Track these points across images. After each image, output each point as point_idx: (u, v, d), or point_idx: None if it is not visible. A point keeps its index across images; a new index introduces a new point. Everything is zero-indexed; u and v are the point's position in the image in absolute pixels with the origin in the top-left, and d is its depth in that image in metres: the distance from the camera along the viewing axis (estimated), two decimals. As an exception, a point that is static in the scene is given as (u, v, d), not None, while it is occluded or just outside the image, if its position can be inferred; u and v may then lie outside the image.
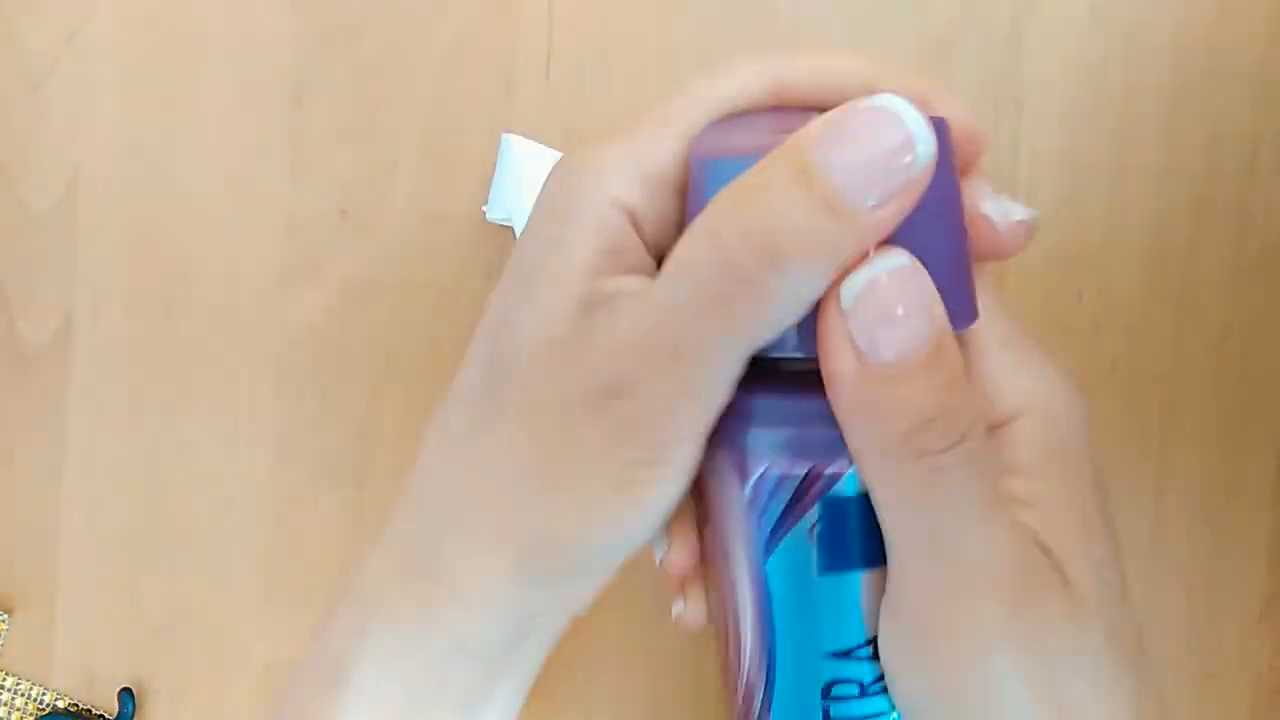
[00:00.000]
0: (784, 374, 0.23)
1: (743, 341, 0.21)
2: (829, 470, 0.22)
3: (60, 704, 0.41)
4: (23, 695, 0.41)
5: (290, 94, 0.40)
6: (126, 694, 0.40)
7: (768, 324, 0.21)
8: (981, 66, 0.37)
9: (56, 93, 0.41)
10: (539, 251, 0.24)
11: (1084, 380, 0.37)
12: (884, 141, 0.20)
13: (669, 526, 0.26)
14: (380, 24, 0.39)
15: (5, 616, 0.41)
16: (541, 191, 0.24)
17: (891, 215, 0.20)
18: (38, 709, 0.41)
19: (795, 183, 0.20)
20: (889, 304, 0.20)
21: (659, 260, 0.24)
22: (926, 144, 0.20)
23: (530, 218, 0.24)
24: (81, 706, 0.41)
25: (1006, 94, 0.37)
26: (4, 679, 0.41)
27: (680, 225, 0.24)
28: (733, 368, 0.22)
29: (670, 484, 0.23)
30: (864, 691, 0.23)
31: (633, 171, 0.23)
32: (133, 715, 0.40)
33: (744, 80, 0.24)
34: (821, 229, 0.20)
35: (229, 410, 0.40)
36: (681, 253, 0.21)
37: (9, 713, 0.41)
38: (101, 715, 0.41)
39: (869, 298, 0.20)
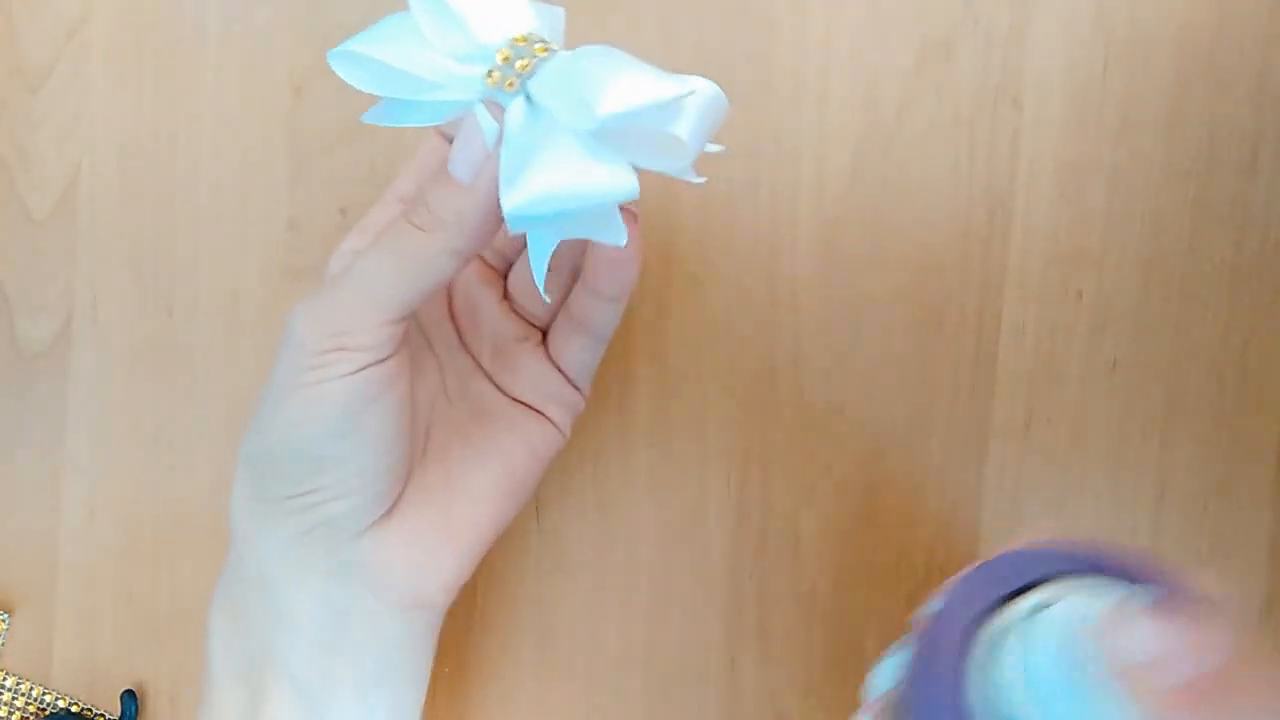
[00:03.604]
0: None
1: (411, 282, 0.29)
2: None
3: (61, 703, 0.41)
4: (23, 695, 0.41)
5: (290, 92, 0.40)
6: (129, 696, 0.40)
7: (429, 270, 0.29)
8: (981, 66, 0.37)
9: (56, 93, 0.41)
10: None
11: (1084, 380, 0.37)
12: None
13: None
14: (380, 24, 0.39)
15: (5, 616, 0.41)
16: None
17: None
18: (38, 709, 0.41)
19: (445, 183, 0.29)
20: None
21: None
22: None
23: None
24: (83, 706, 0.41)
25: (1006, 94, 0.37)
26: (4, 679, 0.41)
27: None
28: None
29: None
30: None
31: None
32: (135, 717, 0.40)
33: (377, 220, 0.34)
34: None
35: (229, 410, 0.40)
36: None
37: (9, 713, 0.41)
38: (103, 715, 0.41)
39: None
